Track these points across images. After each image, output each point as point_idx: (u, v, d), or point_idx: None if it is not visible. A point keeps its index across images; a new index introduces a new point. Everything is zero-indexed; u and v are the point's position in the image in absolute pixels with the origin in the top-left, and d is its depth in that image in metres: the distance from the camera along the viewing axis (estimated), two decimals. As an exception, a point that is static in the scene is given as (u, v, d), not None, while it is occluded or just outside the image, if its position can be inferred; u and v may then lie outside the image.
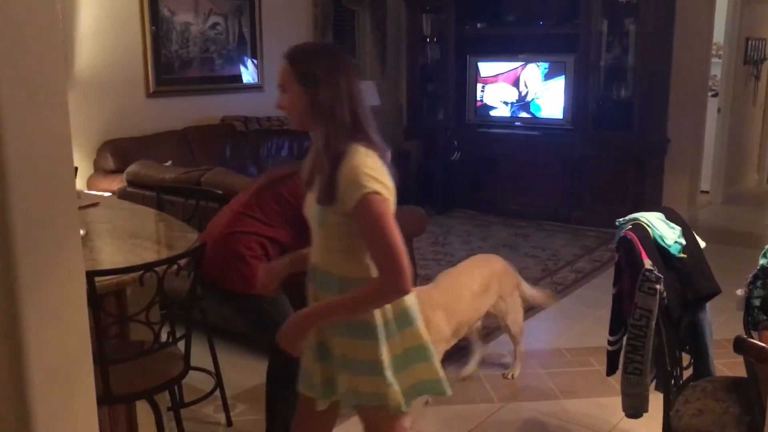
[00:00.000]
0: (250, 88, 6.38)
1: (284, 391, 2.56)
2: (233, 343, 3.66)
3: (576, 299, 4.68)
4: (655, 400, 2.32)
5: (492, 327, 3.83)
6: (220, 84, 6.17)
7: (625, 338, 2.32)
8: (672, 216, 2.48)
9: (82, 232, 2.37)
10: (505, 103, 6.96)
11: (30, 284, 1.35)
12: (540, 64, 6.68)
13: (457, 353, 3.47)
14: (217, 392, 3.15)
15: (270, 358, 2.68)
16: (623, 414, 2.40)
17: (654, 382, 2.37)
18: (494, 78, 6.96)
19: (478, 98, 7.06)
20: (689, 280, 2.38)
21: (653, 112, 6.28)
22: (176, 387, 2.52)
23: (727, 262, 4.00)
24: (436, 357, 1.99)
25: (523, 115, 6.88)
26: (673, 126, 6.46)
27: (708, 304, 2.47)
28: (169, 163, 4.67)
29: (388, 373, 1.87)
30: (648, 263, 2.18)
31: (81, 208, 3.00)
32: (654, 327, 2.18)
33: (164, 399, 2.52)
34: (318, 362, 1.97)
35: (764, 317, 2.29)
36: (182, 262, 2.25)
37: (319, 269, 1.94)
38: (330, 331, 1.93)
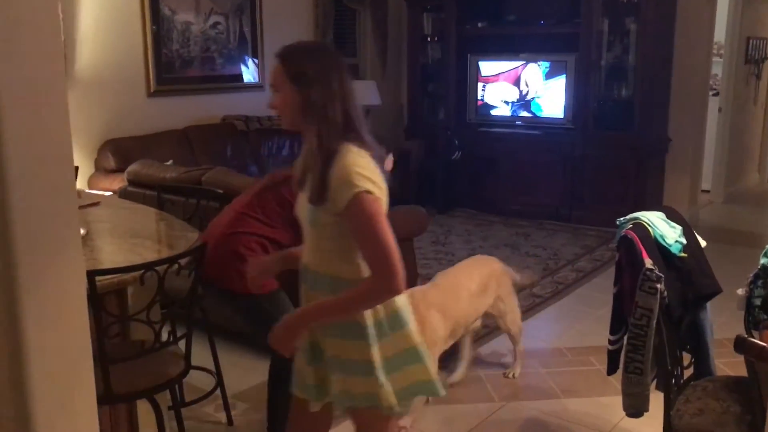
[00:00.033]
0: (250, 87, 6.38)
1: (286, 391, 2.56)
2: (234, 342, 3.66)
3: (576, 298, 4.68)
4: (656, 400, 2.32)
5: (492, 327, 3.83)
6: (221, 83, 6.17)
7: (625, 337, 2.32)
8: (673, 215, 2.48)
9: (82, 231, 2.38)
10: (506, 102, 6.95)
11: (30, 284, 1.35)
12: (541, 63, 6.67)
13: (447, 359, 3.38)
14: (218, 391, 3.15)
15: (272, 358, 2.68)
16: (624, 413, 2.40)
17: (655, 382, 2.37)
18: (495, 77, 6.95)
19: (479, 97, 7.05)
20: (690, 279, 2.38)
21: (654, 111, 6.28)
22: (177, 386, 2.53)
23: (728, 261, 4.01)
24: (430, 358, 1.97)
25: (524, 114, 6.87)
26: (673, 125, 6.45)
27: (709, 304, 2.47)
28: (169, 162, 4.67)
29: (380, 374, 1.85)
30: (649, 262, 2.18)
31: (82, 207, 3.01)
32: (655, 326, 2.18)
33: (165, 398, 2.52)
34: (311, 364, 1.96)
35: (765, 316, 2.28)
36: (183, 261, 2.25)
37: (311, 269, 1.93)
38: (322, 332, 1.92)
